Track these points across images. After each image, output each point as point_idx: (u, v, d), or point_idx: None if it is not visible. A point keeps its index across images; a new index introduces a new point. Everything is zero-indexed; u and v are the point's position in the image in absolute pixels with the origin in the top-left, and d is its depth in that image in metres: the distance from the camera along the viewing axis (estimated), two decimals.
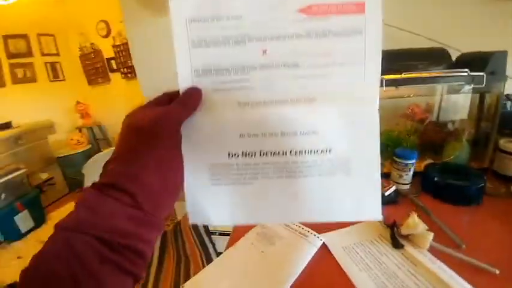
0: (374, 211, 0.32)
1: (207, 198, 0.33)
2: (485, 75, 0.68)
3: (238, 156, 0.32)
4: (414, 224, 0.47)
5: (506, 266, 0.44)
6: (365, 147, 0.31)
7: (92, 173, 0.96)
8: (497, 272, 0.43)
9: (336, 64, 0.32)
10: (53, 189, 2.64)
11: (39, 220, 2.22)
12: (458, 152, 0.75)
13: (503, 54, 0.84)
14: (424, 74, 0.68)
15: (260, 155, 0.32)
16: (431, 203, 0.64)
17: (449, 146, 0.77)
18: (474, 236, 0.53)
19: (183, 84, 0.31)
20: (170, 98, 0.29)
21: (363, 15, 0.31)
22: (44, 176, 2.59)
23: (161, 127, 0.26)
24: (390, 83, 0.67)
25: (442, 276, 0.43)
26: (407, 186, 0.69)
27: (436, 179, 0.66)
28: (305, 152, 0.31)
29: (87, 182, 0.94)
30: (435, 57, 0.79)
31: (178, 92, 0.30)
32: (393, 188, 0.66)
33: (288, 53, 0.32)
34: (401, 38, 0.98)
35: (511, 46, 0.83)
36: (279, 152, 0.32)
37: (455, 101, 0.83)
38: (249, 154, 0.32)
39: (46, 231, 2.17)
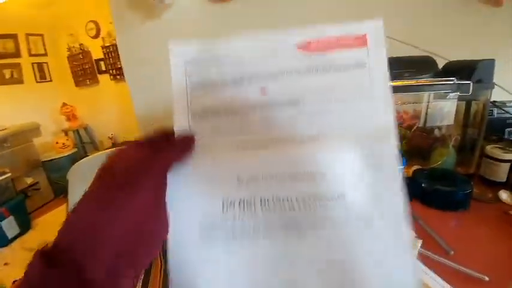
0: (403, 274, 0.25)
1: (196, 264, 0.27)
2: (471, 83, 0.70)
3: (235, 206, 0.27)
4: None
5: (495, 272, 0.44)
6: (384, 192, 0.26)
7: (77, 178, 0.94)
8: (487, 279, 0.43)
9: (340, 100, 0.29)
10: (38, 194, 2.57)
11: (24, 226, 2.15)
12: (445, 158, 0.77)
13: (491, 62, 0.86)
14: (410, 82, 0.69)
15: (261, 203, 0.27)
16: (419, 208, 0.65)
17: (436, 152, 0.79)
18: (462, 242, 0.54)
19: (178, 127, 0.28)
20: (166, 138, 0.27)
21: (365, 47, 0.30)
22: (29, 180, 2.52)
23: (143, 172, 0.22)
24: None
25: (433, 285, 0.43)
26: None
27: (423, 185, 0.67)
28: (314, 197, 0.27)
29: (72, 188, 0.91)
30: (422, 65, 0.80)
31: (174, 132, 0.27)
32: None
33: (288, 90, 0.30)
34: (389, 47, 1.00)
35: (498, 54, 0.87)
36: (283, 199, 0.27)
37: (442, 108, 0.85)
38: (247, 203, 0.28)
39: (32, 237, 2.10)
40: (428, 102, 0.81)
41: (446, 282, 0.43)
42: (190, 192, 0.27)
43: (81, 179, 0.97)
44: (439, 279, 0.44)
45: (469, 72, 0.81)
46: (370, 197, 0.26)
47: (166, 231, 0.25)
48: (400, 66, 0.81)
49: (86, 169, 0.98)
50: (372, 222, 0.26)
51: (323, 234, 0.26)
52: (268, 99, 0.30)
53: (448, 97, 0.79)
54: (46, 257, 0.19)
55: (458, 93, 0.70)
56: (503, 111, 0.90)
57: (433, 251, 0.49)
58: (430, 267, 0.46)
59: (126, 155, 0.24)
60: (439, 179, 0.68)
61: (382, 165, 0.27)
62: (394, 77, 0.73)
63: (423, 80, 0.71)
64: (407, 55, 0.86)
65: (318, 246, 0.26)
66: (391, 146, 0.27)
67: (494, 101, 0.93)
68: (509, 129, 0.92)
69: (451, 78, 0.69)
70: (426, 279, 0.44)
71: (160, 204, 0.24)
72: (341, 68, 0.30)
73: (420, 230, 0.56)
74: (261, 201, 0.27)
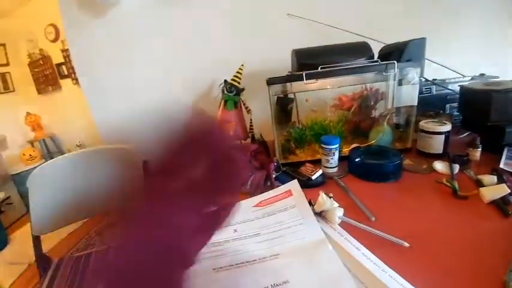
0: None
1: None
2: (396, 62, 0.75)
3: None
4: (323, 201, 0.53)
5: (417, 239, 0.46)
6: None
7: (36, 185, 0.93)
8: (407, 245, 0.45)
9: (286, 228, 0.51)
10: (11, 208, 2.49)
11: (1, 242, 2.11)
12: (381, 135, 0.83)
13: (421, 41, 0.93)
14: (339, 67, 0.74)
15: None
16: (355, 182, 0.71)
17: (374, 130, 0.85)
18: (388, 210, 0.58)
19: None
20: None
21: (292, 196, 0.59)
22: (1, 195, 2.43)
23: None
24: (309, 77, 0.73)
25: (349, 248, 0.48)
26: (334, 169, 0.76)
27: (357, 160, 0.73)
28: None
29: (32, 197, 0.91)
30: (357, 50, 0.86)
31: None
32: (319, 172, 0.72)
33: (251, 228, 0.52)
34: (330, 34, 1.06)
35: (437, 33, 0.93)
36: None
37: (378, 89, 0.91)
38: None
39: (11, 252, 2.06)
40: (365, 84, 0.87)
41: (367, 248, 0.46)
42: None
43: (42, 186, 0.97)
44: (355, 242, 0.49)
45: (400, 53, 0.87)
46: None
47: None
48: (337, 53, 0.86)
49: (44, 176, 0.98)
50: None
51: None
52: (239, 234, 0.52)
53: (383, 79, 0.84)
54: None
55: (384, 73, 0.76)
56: (442, 88, 0.97)
57: (357, 219, 0.54)
58: (354, 236, 0.49)
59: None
60: (373, 155, 0.75)
61: (325, 264, 0.42)
62: (332, 63, 0.78)
63: (350, 65, 0.75)
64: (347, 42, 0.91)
65: None
66: (326, 248, 0.45)
67: (434, 79, 1.01)
68: (449, 104, 0.99)
69: (375, 60, 0.75)
70: (347, 246, 0.49)
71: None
72: (281, 210, 0.56)
73: (350, 201, 0.62)
74: None
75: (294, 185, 0.62)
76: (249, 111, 1.02)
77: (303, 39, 1.08)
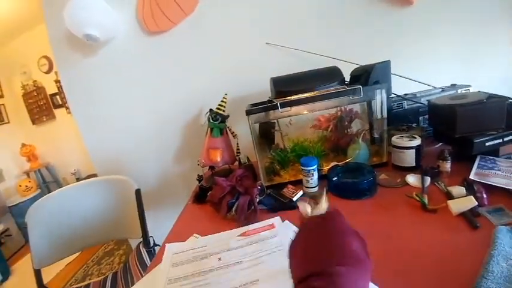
0: None
1: None
2: (361, 87, 0.80)
3: None
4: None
5: (388, 254, 0.49)
6: None
7: (35, 221, 0.96)
8: None
9: (266, 255, 0.56)
10: (10, 240, 2.50)
11: (4, 273, 2.13)
12: (357, 152, 0.88)
13: (386, 64, 0.99)
14: (310, 94, 0.80)
15: None
16: (334, 200, 0.74)
17: (350, 147, 0.91)
18: (361, 227, 0.58)
19: None
20: None
21: (274, 228, 0.66)
22: (0, 227, 2.44)
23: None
24: (283, 105, 0.79)
25: None
26: (314, 189, 0.81)
27: (334, 179, 0.78)
28: None
29: (31, 232, 0.94)
30: (329, 75, 0.92)
31: None
32: (300, 193, 0.77)
33: (235, 256, 0.57)
34: (307, 58, 1.13)
35: (398, 53, 0.98)
36: None
37: (352, 109, 0.96)
38: None
39: (13, 283, 2.10)
40: (340, 107, 0.93)
41: None
42: None
43: (38, 221, 1.00)
44: None
45: (367, 75, 0.94)
46: None
47: None
48: (311, 79, 0.92)
49: (42, 211, 1.01)
50: None
51: None
52: (223, 262, 0.57)
53: (354, 101, 0.90)
54: None
55: (350, 97, 0.81)
56: (413, 102, 1.02)
57: None
58: None
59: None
60: (350, 172, 0.79)
61: None
62: (306, 89, 0.84)
63: (318, 91, 0.81)
64: (320, 67, 0.97)
65: None
66: None
67: (405, 94, 1.06)
68: (422, 116, 1.03)
69: (342, 86, 0.81)
70: None
71: None
72: (264, 239, 0.62)
73: None
74: None
75: (276, 220, 0.69)
76: (234, 136, 1.07)
77: (282, 64, 1.15)
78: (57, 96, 2.85)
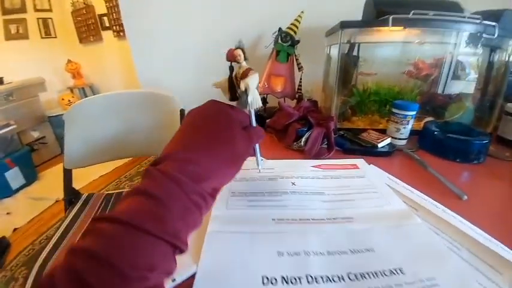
0: None
1: None
2: (497, 25, 0.61)
3: (277, 282, 0.27)
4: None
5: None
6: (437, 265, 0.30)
7: (72, 119, 0.91)
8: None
9: (356, 193, 0.44)
10: (45, 148, 2.61)
11: (30, 178, 2.20)
12: (462, 113, 0.70)
13: None
14: (432, 17, 0.61)
15: (308, 281, 0.27)
16: (430, 159, 0.59)
17: (453, 106, 0.72)
18: (476, 192, 0.47)
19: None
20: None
21: (359, 169, 0.52)
22: (36, 134, 2.55)
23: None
24: (397, 22, 0.60)
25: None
26: (403, 142, 0.65)
27: (436, 133, 0.61)
28: (369, 274, 0.28)
29: (68, 131, 0.88)
30: (447, 8, 0.71)
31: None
32: (388, 141, 0.61)
33: (312, 185, 0.46)
34: None
35: None
36: (333, 278, 0.27)
37: (464, 61, 0.76)
38: (291, 281, 0.27)
39: (37, 188, 2.16)
40: (451, 52, 0.72)
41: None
42: (228, 268, 0.29)
43: (77, 121, 0.95)
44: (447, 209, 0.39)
45: (494, 20, 0.72)
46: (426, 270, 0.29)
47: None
48: (424, 7, 0.72)
49: (82, 111, 0.95)
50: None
51: None
52: (298, 188, 0.45)
53: (471, 46, 0.70)
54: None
55: (483, 36, 0.61)
56: None
57: (438, 198, 0.44)
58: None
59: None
60: (452, 132, 0.62)
61: (410, 236, 0.34)
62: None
63: (447, 15, 0.61)
64: None
65: None
66: (415, 223, 0.36)
67: None
68: None
69: (476, 16, 0.60)
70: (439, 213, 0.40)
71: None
72: (347, 177, 0.49)
73: (427, 178, 0.51)
74: (307, 278, 0.27)
75: (360, 161, 0.56)
76: (300, 69, 0.90)
77: None
78: (105, 18, 2.78)
